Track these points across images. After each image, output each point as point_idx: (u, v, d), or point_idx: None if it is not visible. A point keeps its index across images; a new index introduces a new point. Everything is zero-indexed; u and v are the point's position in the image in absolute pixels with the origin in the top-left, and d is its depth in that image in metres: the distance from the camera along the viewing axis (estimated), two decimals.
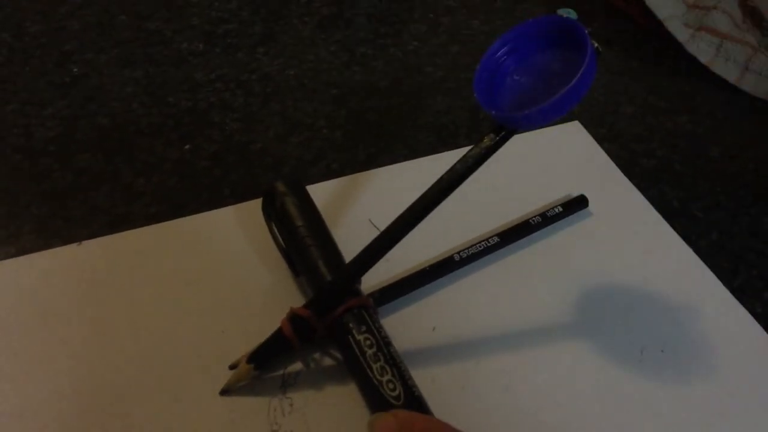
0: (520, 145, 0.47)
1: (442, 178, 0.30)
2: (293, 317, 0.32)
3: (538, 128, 0.29)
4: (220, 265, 0.38)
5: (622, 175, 0.46)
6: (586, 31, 0.27)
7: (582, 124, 0.50)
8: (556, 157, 0.47)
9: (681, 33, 0.57)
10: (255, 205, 0.40)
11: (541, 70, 0.29)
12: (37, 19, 0.54)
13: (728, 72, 0.55)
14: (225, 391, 0.32)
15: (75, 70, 0.50)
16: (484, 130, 0.49)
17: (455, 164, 0.30)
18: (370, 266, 0.32)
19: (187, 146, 0.45)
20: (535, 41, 0.29)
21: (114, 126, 0.46)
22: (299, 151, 0.46)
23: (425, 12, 0.61)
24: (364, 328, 0.32)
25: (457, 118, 0.50)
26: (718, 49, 0.56)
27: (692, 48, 0.56)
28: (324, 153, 0.46)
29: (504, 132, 0.29)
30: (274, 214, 0.37)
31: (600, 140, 0.49)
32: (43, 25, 0.54)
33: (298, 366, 0.34)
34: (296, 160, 0.46)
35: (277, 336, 0.32)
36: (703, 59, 0.56)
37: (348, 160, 0.46)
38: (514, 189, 0.44)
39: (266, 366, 0.33)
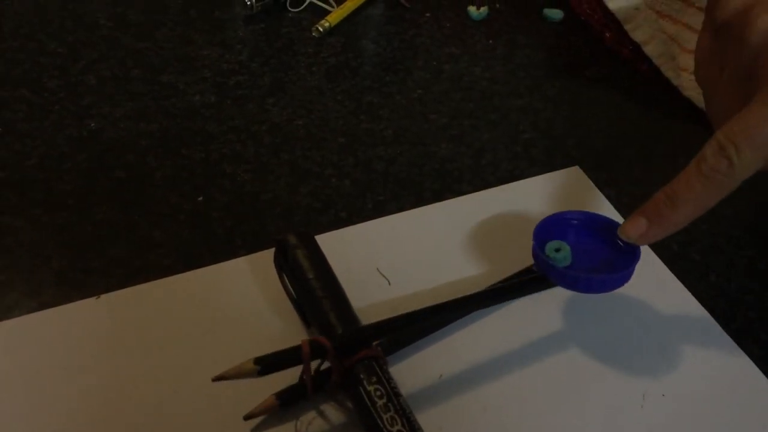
0: (523, 190, 0.49)
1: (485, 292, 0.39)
2: (313, 341, 0.33)
3: (573, 292, 0.36)
4: (235, 317, 0.39)
5: (622, 219, 0.47)
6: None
7: (582, 168, 0.52)
8: (558, 202, 0.49)
9: (677, 77, 0.59)
10: (267, 255, 0.42)
11: (594, 252, 0.38)
12: (55, 74, 0.56)
13: None
14: (219, 378, 0.32)
15: (92, 124, 0.52)
16: (487, 177, 0.50)
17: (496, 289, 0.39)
18: (392, 335, 0.35)
19: (200, 197, 0.47)
20: (599, 234, 0.39)
21: (130, 178, 0.48)
22: (308, 200, 0.48)
23: (428, 59, 0.63)
24: (374, 379, 0.33)
25: (461, 164, 0.52)
26: None
27: (688, 92, 0.58)
28: (333, 202, 0.48)
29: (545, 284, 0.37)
30: (285, 266, 0.39)
31: (600, 185, 0.51)
32: (61, 81, 0.56)
33: (310, 416, 0.35)
34: (306, 209, 0.47)
35: (294, 350, 0.33)
36: (700, 104, 0.57)
37: (356, 208, 0.48)
38: (518, 234, 0.46)
39: (268, 371, 0.33)
